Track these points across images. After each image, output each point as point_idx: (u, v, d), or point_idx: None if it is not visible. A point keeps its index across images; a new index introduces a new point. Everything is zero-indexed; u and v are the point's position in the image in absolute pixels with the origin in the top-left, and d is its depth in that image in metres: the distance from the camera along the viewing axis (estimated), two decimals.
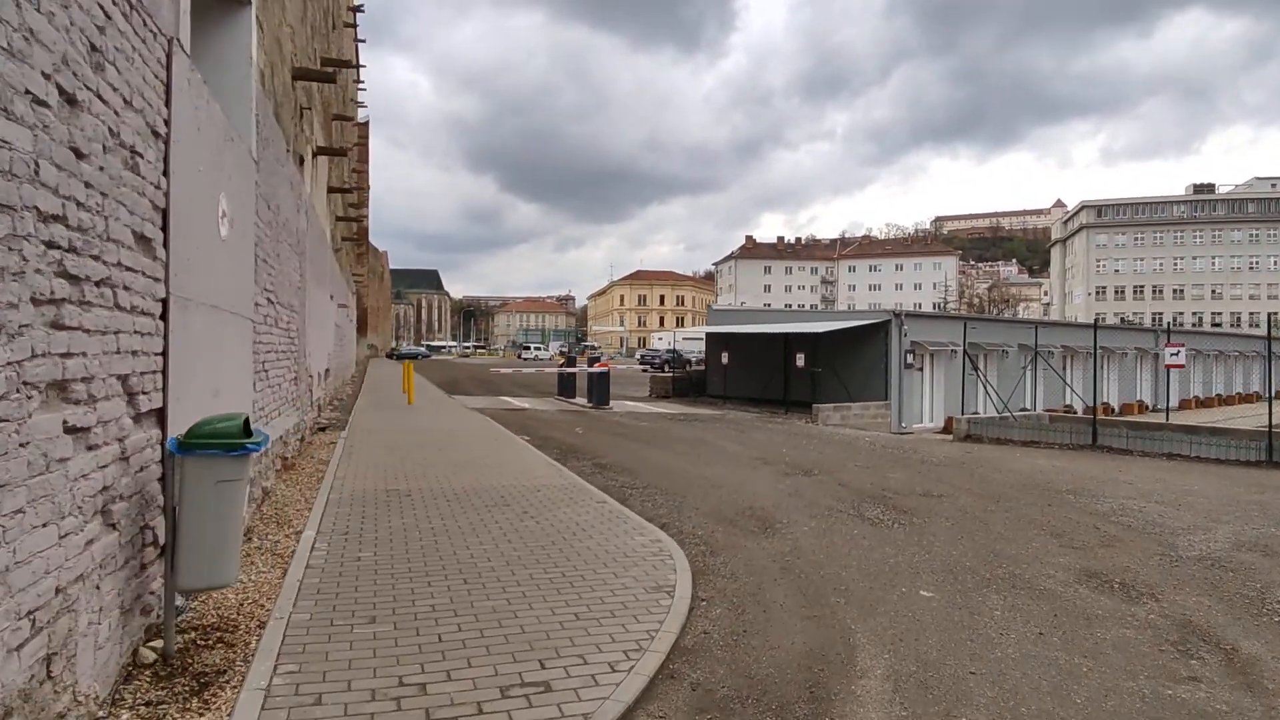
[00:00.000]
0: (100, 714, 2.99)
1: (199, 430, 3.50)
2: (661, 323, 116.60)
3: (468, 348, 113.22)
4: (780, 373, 22.44)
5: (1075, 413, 25.18)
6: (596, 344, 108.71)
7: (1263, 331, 44.35)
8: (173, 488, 3.51)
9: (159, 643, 3.60)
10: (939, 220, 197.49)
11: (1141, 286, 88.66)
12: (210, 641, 3.80)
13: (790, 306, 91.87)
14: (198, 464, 3.44)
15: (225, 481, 3.50)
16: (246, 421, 3.71)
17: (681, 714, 3.37)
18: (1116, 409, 28.37)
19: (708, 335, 27.93)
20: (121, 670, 3.33)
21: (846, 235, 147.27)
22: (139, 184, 3.53)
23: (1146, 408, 30.50)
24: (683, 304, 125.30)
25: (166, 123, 3.95)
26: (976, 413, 22.95)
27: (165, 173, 3.95)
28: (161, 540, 3.74)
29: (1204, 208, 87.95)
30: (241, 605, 4.32)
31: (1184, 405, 30.13)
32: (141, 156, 3.56)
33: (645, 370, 45.48)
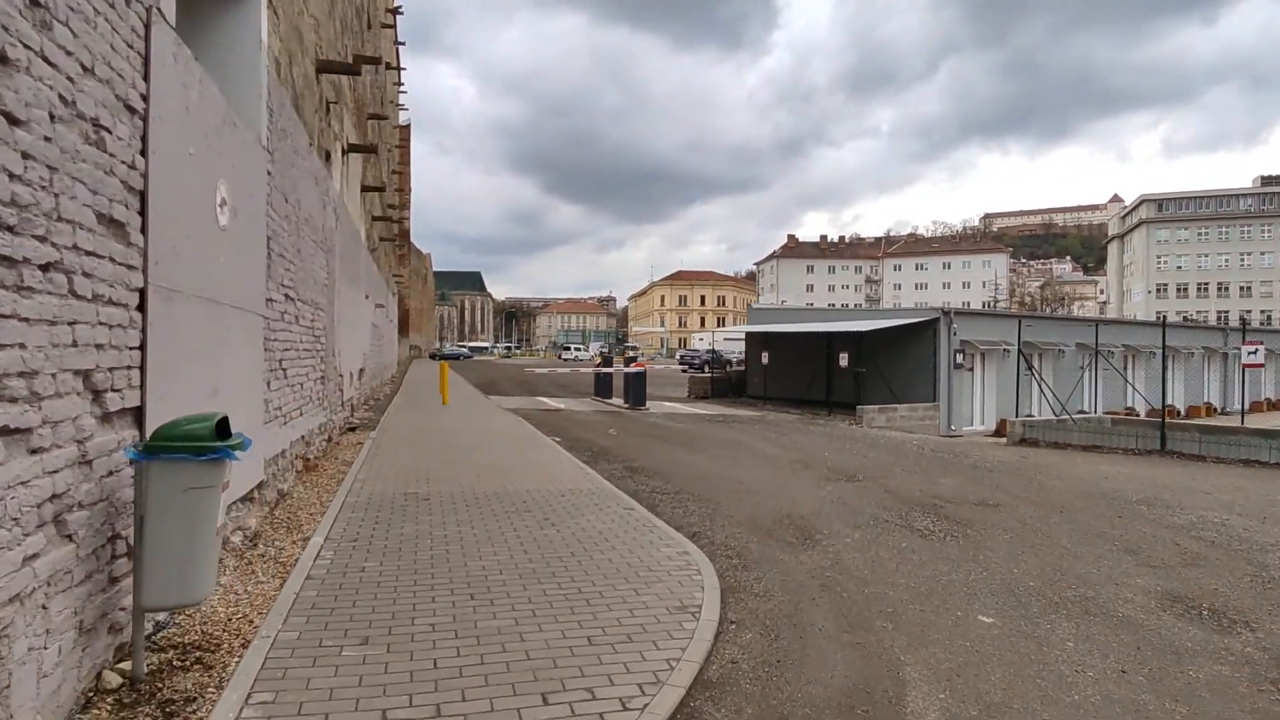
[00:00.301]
0: None
1: (165, 432, 3.17)
2: (702, 323, 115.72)
3: (508, 348, 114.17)
4: (822, 373, 21.72)
5: (1137, 415, 23.88)
6: (636, 345, 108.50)
7: None
8: (141, 495, 3.18)
9: (128, 664, 3.28)
10: (988, 217, 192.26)
11: (1205, 284, 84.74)
12: (187, 662, 3.47)
13: (833, 306, 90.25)
14: (163, 470, 3.11)
15: (195, 489, 3.16)
16: (224, 422, 3.37)
17: None
18: (1183, 411, 26.87)
19: (747, 335, 27.30)
20: (80, 697, 3.01)
21: (892, 234, 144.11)
22: (105, 161, 3.21)
23: (1215, 410, 28.86)
24: (723, 304, 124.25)
25: (144, 98, 3.64)
26: (1031, 415, 21.90)
27: (143, 152, 3.64)
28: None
29: (1273, 200, 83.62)
30: (230, 620, 4.00)
31: (1254, 407, 28.42)
32: (109, 131, 3.25)
33: (685, 371, 44.95)
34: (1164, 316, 29.00)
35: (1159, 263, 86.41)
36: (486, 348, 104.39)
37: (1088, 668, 3.88)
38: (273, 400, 6.84)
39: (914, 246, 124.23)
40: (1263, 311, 79.03)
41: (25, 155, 2.59)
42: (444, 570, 4.94)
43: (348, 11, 13.24)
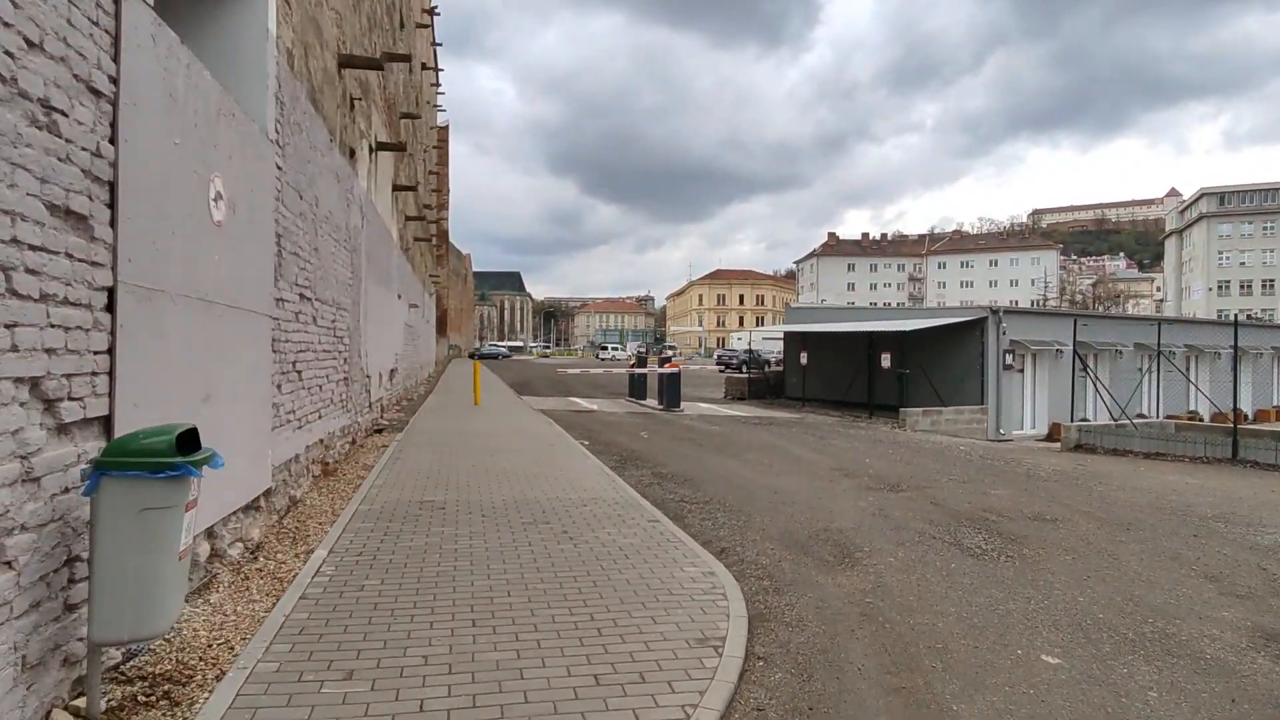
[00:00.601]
0: None
1: (120, 447, 2.86)
2: (741, 322, 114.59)
3: (546, 348, 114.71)
4: (864, 374, 20.96)
5: (1201, 419, 22.58)
6: (674, 345, 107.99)
7: None
8: (93, 516, 2.87)
9: (83, 701, 2.98)
10: (1037, 213, 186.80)
11: (1270, 280, 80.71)
12: (154, 697, 3.16)
13: (875, 305, 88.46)
14: (116, 488, 2.79)
15: (152, 510, 2.84)
16: (190, 434, 3.05)
17: None
18: (1250, 415, 25.40)
19: (786, 334, 26.62)
20: None
21: (936, 231, 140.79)
22: (58, 147, 2.91)
23: None
24: (762, 303, 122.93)
25: (113, 80, 3.34)
26: (1086, 419, 20.87)
27: (112, 139, 3.34)
28: None
29: None
30: (210, 646, 3.69)
31: None
32: (64, 114, 2.95)
33: (722, 371, 44.33)
34: (1234, 315, 27.43)
35: (1220, 259, 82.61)
36: (523, 347, 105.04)
37: None
38: (284, 404, 6.59)
39: (959, 244, 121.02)
40: None
41: None
42: (448, 590, 4.58)
43: (377, 8, 13.07)
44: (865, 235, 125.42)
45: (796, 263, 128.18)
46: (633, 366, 24.18)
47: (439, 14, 29.31)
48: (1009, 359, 19.52)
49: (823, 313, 31.87)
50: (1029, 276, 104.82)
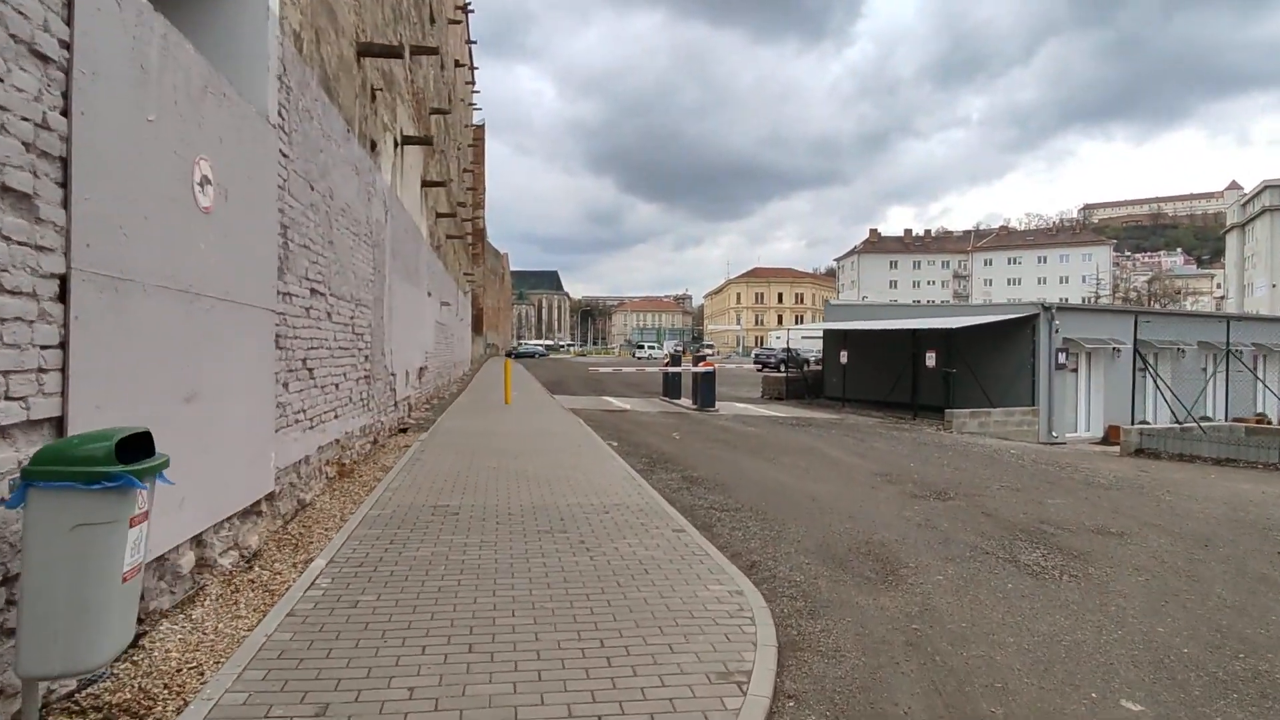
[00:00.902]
0: None
1: (53, 454, 2.51)
2: (779, 321, 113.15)
3: (572, 346, 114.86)
4: (907, 373, 20.16)
5: (1269, 422, 21.22)
6: (712, 344, 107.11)
7: None
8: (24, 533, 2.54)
9: None
10: (1088, 208, 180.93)
11: None
12: None
13: (918, 303, 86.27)
14: (45, 502, 2.45)
15: (86, 526, 2.48)
16: (137, 439, 2.70)
17: None
18: None
19: (826, 333, 25.85)
20: None
21: (981, 228, 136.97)
22: None
23: None
24: (801, 302, 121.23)
25: (65, 45, 3.02)
26: (1145, 421, 19.77)
27: (65, 112, 3.02)
28: None
29: None
30: (179, 670, 3.35)
31: None
32: None
33: (759, 370, 43.57)
34: None
35: None
36: (561, 345, 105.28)
37: None
38: (292, 403, 6.30)
39: (1006, 240, 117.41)
40: None
41: None
42: (448, 608, 4.19)
43: (402, 0, 12.84)
44: (908, 231, 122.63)
45: (837, 260, 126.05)
46: (667, 365, 23.72)
47: (473, 11, 29.24)
48: (1062, 358, 18.54)
49: (864, 310, 30.96)
50: (1080, 273, 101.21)
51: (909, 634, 4.27)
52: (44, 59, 2.89)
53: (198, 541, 4.39)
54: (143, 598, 3.76)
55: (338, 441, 7.98)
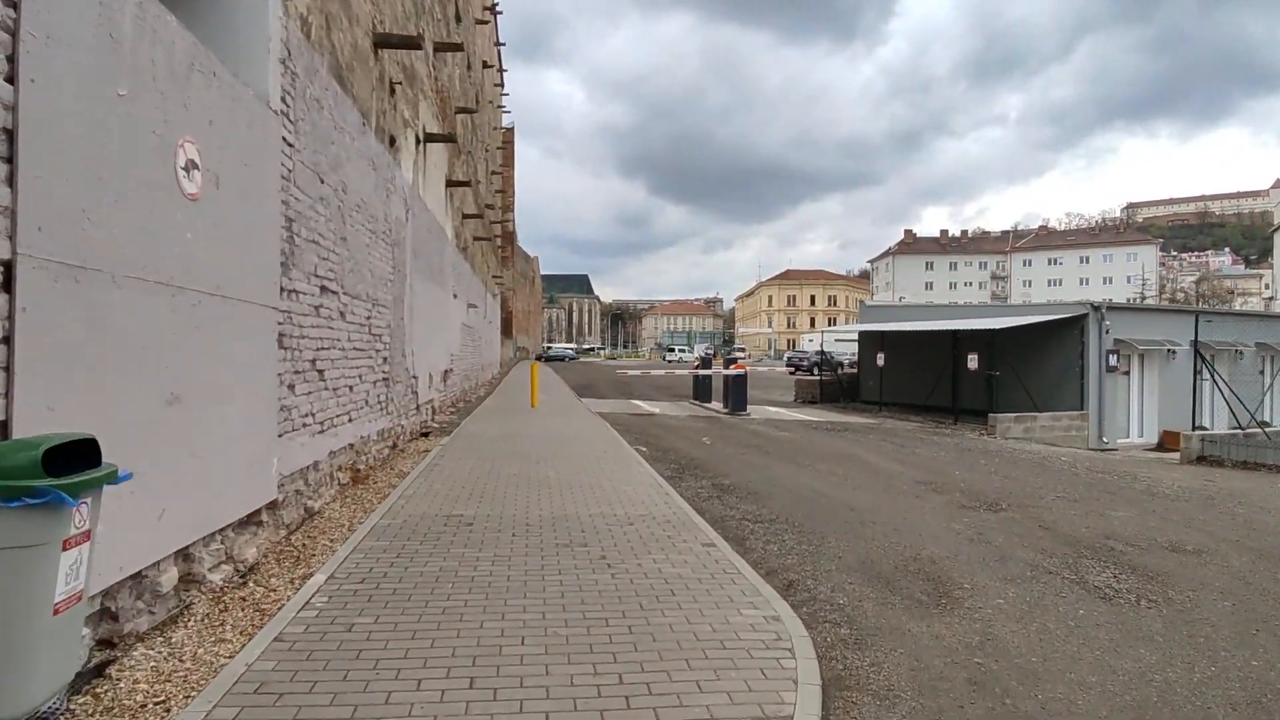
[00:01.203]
0: None
1: None
2: (812, 323, 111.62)
3: (613, 351, 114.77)
4: (947, 376, 19.37)
5: None
6: (744, 346, 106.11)
7: None
8: None
9: None
10: (1131, 207, 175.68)
11: None
12: None
13: (956, 304, 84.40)
14: None
15: (7, 550, 2.11)
16: (77, 447, 2.32)
17: None
18: None
19: (861, 335, 25.11)
20: None
21: (1020, 228, 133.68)
22: None
23: None
24: (834, 304, 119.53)
25: (12, 4, 2.67)
26: (1204, 426, 18.74)
27: (10, 78, 2.67)
28: None
29: None
30: (144, 706, 2.98)
31: None
32: None
33: (792, 373, 42.81)
34: None
35: None
36: (591, 349, 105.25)
37: None
38: (299, 406, 5.97)
39: (1046, 239, 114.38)
40: None
41: None
42: (450, 634, 3.77)
43: None
44: (944, 232, 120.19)
45: (871, 262, 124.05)
46: (696, 368, 23.22)
47: (501, 12, 29.09)
48: (1113, 360, 17.64)
49: (900, 311, 30.08)
50: (1124, 273, 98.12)
51: (971, 669, 3.75)
52: None
53: (184, 556, 4.05)
54: (116, 619, 3.42)
55: (351, 446, 7.65)
